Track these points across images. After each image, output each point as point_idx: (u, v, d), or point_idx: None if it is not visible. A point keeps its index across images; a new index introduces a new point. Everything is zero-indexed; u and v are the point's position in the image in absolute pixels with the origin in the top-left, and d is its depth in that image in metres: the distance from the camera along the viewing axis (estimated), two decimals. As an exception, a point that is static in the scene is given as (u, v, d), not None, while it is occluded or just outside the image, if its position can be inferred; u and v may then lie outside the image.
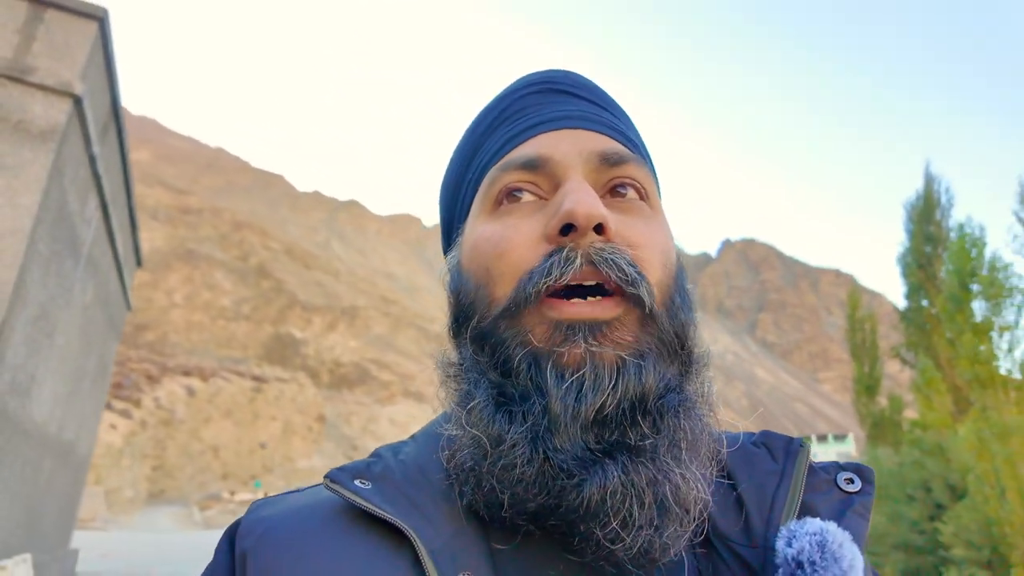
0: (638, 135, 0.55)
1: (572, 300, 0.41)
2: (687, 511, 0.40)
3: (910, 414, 15.76)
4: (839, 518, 0.42)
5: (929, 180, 17.04)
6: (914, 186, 18.04)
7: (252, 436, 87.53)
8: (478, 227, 0.48)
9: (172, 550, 24.81)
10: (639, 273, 0.42)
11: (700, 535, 0.42)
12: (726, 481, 0.47)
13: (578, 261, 0.41)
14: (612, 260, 0.41)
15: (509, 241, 0.44)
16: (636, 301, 0.42)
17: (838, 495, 0.45)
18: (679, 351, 0.44)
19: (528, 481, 0.39)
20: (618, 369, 0.39)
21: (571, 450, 0.39)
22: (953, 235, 14.27)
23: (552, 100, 0.51)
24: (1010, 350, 11.44)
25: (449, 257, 0.53)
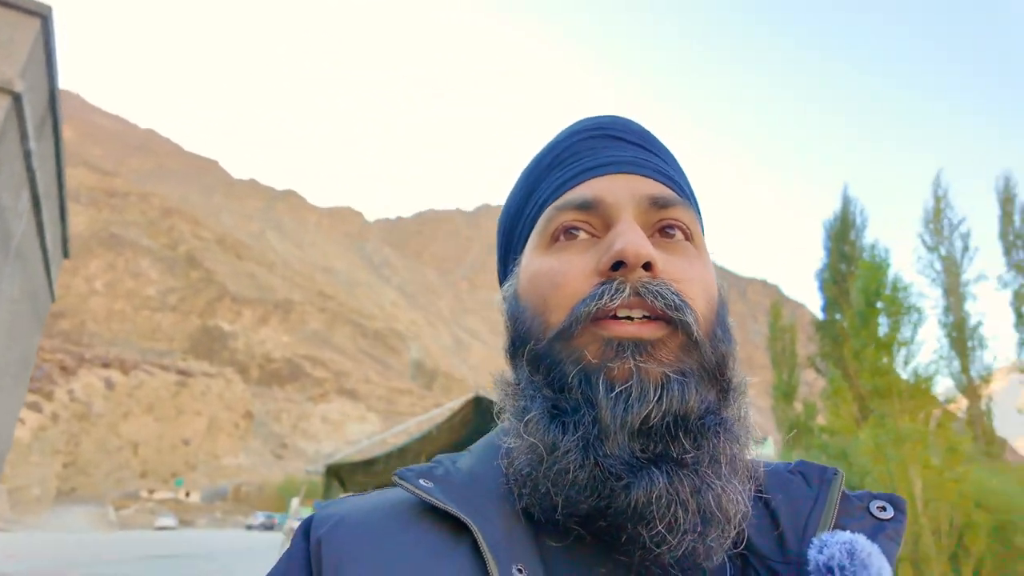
0: (685, 178, 0.58)
1: (621, 320, 0.46)
2: (728, 520, 0.43)
3: (823, 420, 16.85)
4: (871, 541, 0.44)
5: (846, 202, 18.37)
6: (835, 205, 19.34)
7: (175, 432, 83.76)
8: (536, 260, 0.52)
9: (85, 551, 23.71)
10: (683, 301, 0.46)
11: (738, 546, 0.45)
12: (763, 498, 0.50)
13: (627, 291, 0.45)
14: (658, 291, 0.46)
15: (564, 275, 0.48)
16: (681, 326, 0.45)
17: (870, 521, 0.47)
18: (719, 378, 0.47)
19: (580, 484, 0.43)
20: (663, 384, 0.43)
21: (619, 455, 0.42)
22: (866, 254, 15.47)
23: (604, 145, 0.55)
24: (907, 363, 12.57)
25: (506, 285, 0.57)
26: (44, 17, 5.30)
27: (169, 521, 49.15)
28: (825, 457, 13.51)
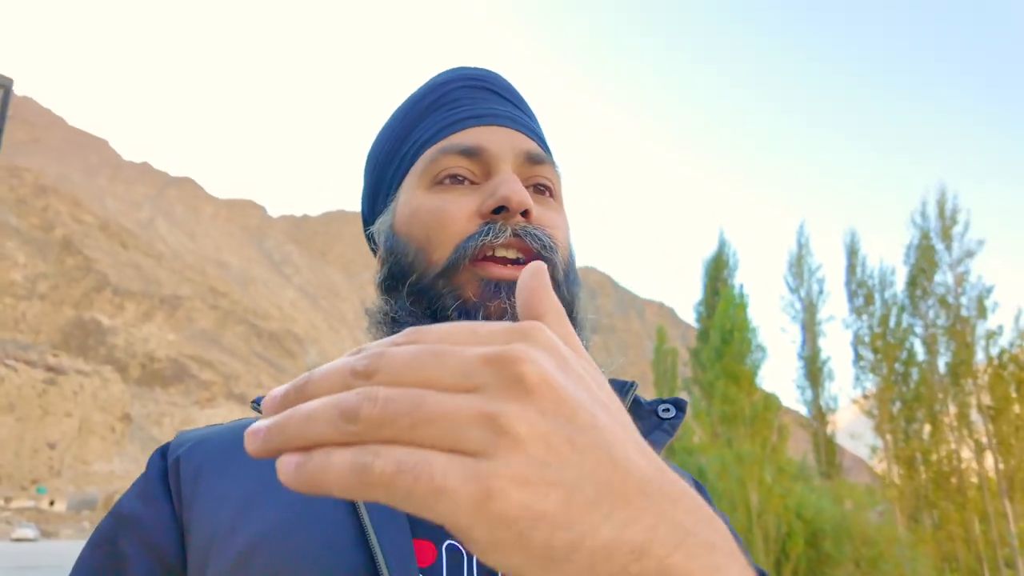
0: (544, 137, 0.67)
1: (498, 262, 0.54)
2: None
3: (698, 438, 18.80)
4: (647, 435, 0.53)
5: (722, 244, 20.67)
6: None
7: (39, 434, 76.80)
8: (417, 197, 0.58)
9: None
10: (554, 244, 0.55)
11: None
12: None
13: (508, 232, 0.53)
14: (535, 235, 0.54)
15: (449, 214, 0.55)
16: (548, 266, 0.50)
17: (654, 421, 0.57)
18: (571, 315, 0.56)
19: None
20: None
21: None
22: (735, 292, 17.64)
23: (483, 97, 0.62)
24: (749, 394, 14.66)
25: (380, 220, 0.62)
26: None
27: (28, 532, 45.10)
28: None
